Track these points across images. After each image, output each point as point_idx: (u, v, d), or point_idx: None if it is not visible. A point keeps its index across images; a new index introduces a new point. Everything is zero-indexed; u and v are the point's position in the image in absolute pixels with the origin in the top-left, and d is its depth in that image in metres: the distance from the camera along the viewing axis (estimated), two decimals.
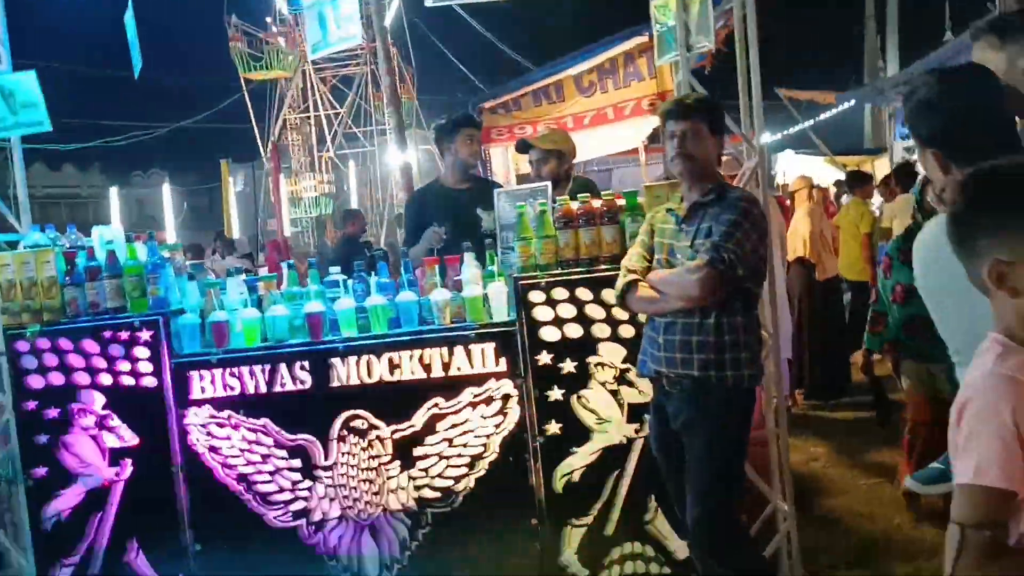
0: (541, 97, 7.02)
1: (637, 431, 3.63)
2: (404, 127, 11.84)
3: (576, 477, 3.66)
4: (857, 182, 8.73)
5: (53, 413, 3.80)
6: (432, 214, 4.52)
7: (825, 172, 15.11)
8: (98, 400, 3.80)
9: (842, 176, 13.26)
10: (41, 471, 3.82)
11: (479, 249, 3.84)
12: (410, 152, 14.76)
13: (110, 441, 3.80)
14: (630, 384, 3.61)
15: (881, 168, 14.39)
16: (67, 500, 3.82)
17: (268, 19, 25.89)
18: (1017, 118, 2.17)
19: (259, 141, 25.96)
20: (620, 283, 3.24)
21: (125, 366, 3.77)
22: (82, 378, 3.79)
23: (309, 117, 27.85)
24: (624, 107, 6.53)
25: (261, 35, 25.54)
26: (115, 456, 3.81)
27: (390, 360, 3.68)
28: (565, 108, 6.85)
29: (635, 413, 3.62)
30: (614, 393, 3.63)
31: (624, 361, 3.60)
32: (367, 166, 28.03)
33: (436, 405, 3.68)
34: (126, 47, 4.97)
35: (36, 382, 3.81)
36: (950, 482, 1.46)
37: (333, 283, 3.91)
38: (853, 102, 14.61)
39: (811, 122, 17.70)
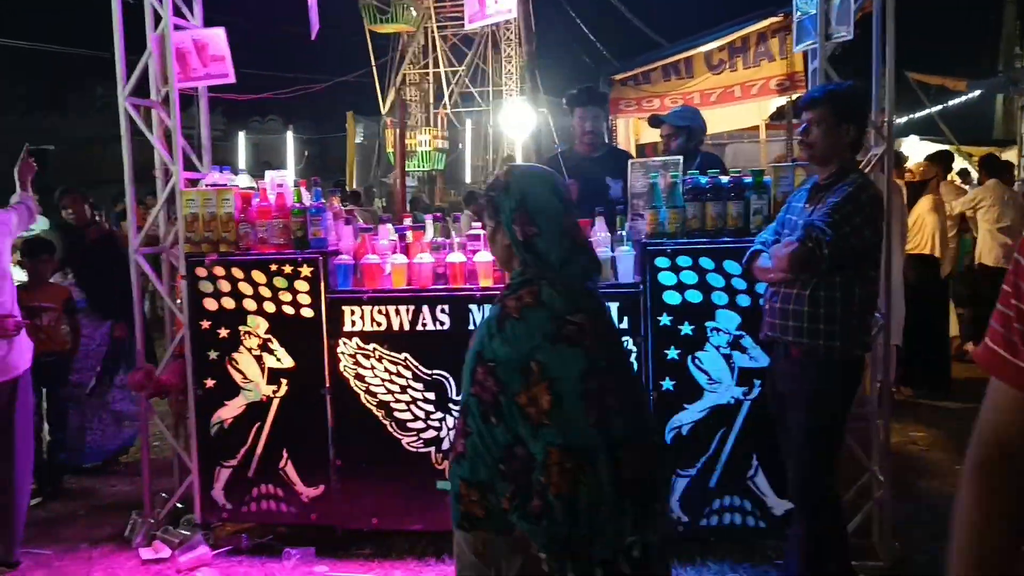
0: (671, 72, 7.17)
1: (746, 394, 3.91)
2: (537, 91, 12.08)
3: (685, 431, 3.97)
4: (996, 169, 8.26)
5: (224, 333, 4.32)
6: (565, 178, 4.80)
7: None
8: (262, 325, 4.29)
9: (966, 166, 12.89)
10: (210, 383, 4.36)
11: (608, 215, 4.14)
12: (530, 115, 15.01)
13: (270, 362, 4.30)
14: (742, 349, 3.89)
15: (1009, 160, 13.92)
16: (230, 410, 4.36)
17: None
18: None
19: (379, 94, 26.63)
20: (748, 252, 3.52)
21: (287, 297, 4.24)
22: (249, 304, 4.29)
23: (428, 74, 28.38)
24: (752, 86, 6.65)
25: None
26: (273, 375, 4.31)
27: None
28: (693, 84, 7.00)
29: (745, 376, 3.90)
30: (727, 357, 3.91)
31: (739, 328, 3.87)
32: (483, 125, 28.43)
33: None
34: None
35: (211, 304, 4.33)
36: None
37: (474, 237, 4.27)
38: (984, 90, 14.12)
39: (939, 107, 17.17)
